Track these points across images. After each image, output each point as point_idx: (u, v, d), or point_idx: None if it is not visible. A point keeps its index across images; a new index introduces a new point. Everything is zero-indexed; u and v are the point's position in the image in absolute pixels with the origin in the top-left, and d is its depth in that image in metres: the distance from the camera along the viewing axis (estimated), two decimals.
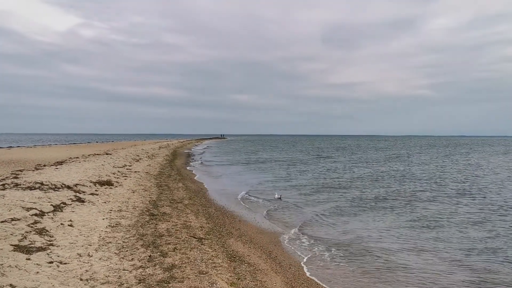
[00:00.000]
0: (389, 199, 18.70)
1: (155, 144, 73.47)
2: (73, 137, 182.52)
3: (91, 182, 16.81)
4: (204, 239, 9.90)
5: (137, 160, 32.29)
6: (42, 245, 8.09)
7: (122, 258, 7.82)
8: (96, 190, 15.40)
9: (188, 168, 33.55)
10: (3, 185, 14.27)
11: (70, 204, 12.30)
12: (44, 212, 10.69)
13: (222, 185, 23.23)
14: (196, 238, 9.86)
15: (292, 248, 10.58)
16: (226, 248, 9.39)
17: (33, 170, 20.22)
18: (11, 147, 60.90)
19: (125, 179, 20.24)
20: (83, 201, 13.04)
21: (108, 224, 10.53)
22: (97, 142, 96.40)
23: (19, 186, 14.10)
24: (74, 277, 6.65)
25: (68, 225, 9.95)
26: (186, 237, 9.76)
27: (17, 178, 16.59)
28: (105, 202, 13.50)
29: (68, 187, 14.82)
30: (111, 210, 12.29)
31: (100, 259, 7.64)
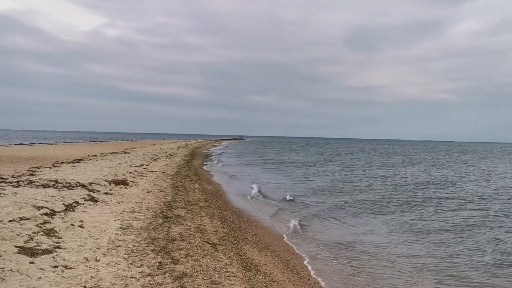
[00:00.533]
0: (413, 203, 17.90)
1: (174, 143, 73.64)
2: (95, 135, 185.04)
3: (106, 181, 16.53)
4: (218, 245, 9.40)
5: (155, 160, 32.11)
6: (48, 247, 7.72)
7: (131, 264, 7.38)
8: (110, 190, 15.09)
9: (205, 168, 33.22)
10: (18, 182, 14.09)
11: (83, 204, 11.98)
12: (55, 212, 10.38)
13: (239, 187, 22.75)
14: (210, 243, 9.38)
15: (309, 256, 10.01)
16: (241, 255, 8.87)
17: (50, 168, 20.12)
18: (33, 143, 61.76)
19: (141, 178, 19.95)
20: (96, 201, 12.72)
21: (120, 226, 10.14)
22: (117, 140, 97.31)
23: (33, 183, 13.88)
24: (78, 284, 6.23)
25: (78, 226, 9.59)
26: (199, 243, 9.28)
27: (33, 175, 16.44)
28: (118, 202, 13.15)
29: (83, 186, 14.56)
30: (123, 211, 11.92)
31: (107, 264, 7.21)
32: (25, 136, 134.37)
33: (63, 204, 11.19)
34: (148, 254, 8.00)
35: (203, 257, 8.22)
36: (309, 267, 9.13)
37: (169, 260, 7.76)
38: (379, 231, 13.00)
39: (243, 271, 7.74)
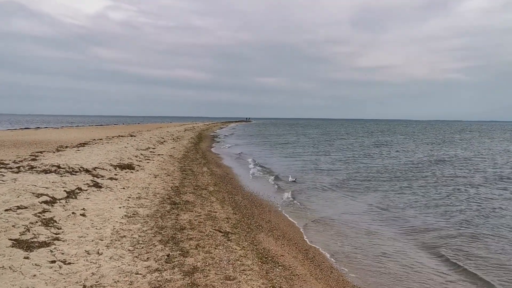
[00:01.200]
0: (429, 182, 17.09)
1: (181, 126, 72.95)
2: (101, 119, 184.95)
3: (111, 166, 15.87)
4: (231, 233, 8.70)
5: (162, 143, 31.44)
6: (46, 239, 7.05)
7: (136, 257, 6.70)
8: (115, 175, 14.43)
9: (213, 151, 32.52)
10: (18, 167, 13.45)
11: (86, 190, 11.32)
12: (55, 199, 9.72)
13: (248, 170, 22.02)
14: (221, 232, 8.68)
15: (327, 243, 9.30)
16: (256, 245, 8.17)
17: (54, 152, 19.50)
18: (38, 127, 61.40)
19: (148, 162, 19.28)
20: (100, 187, 12.05)
21: (125, 213, 9.47)
22: (123, 124, 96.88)
23: (34, 169, 13.24)
24: (77, 282, 5.55)
25: (80, 214, 8.93)
26: (210, 231, 8.59)
27: (35, 160, 15.81)
28: (124, 188, 12.48)
29: (87, 171, 13.89)
30: (129, 197, 11.25)
31: (110, 258, 6.54)
32: (33, 120, 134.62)
33: (64, 190, 10.52)
34: (155, 246, 7.32)
35: (215, 248, 7.53)
36: (327, 256, 8.43)
37: (178, 252, 7.08)
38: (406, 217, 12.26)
39: (260, 263, 7.05)
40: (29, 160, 15.60)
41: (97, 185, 12.13)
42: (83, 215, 8.91)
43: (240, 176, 19.14)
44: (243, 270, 6.58)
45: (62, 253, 6.52)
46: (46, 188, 10.45)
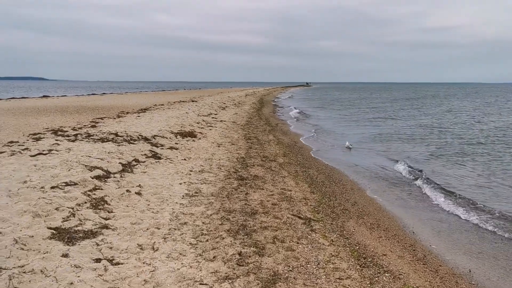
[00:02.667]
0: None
1: (242, 91, 71.68)
2: (163, 85, 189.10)
3: (172, 133, 14.70)
4: (314, 220, 7.05)
5: (223, 108, 30.19)
6: (93, 227, 5.79)
7: (200, 255, 5.24)
8: (176, 143, 13.20)
9: (277, 117, 30.81)
10: (76, 135, 12.58)
11: (144, 162, 10.12)
12: (109, 173, 8.55)
13: (317, 138, 20.13)
14: (302, 218, 7.05)
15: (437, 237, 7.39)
16: (347, 238, 6.46)
17: (114, 118, 18.75)
18: (104, 93, 62.82)
19: (210, 129, 18.00)
20: (159, 158, 10.83)
21: (186, 191, 8.10)
22: (184, 89, 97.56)
23: (91, 137, 12.29)
24: None
25: (136, 192, 7.67)
26: (288, 217, 6.99)
27: (95, 127, 14.99)
28: (185, 159, 11.18)
29: (145, 139, 12.78)
30: (191, 171, 9.91)
31: (168, 257, 5.13)
32: (101, 86, 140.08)
33: (120, 163, 9.35)
34: (223, 238, 5.83)
35: (297, 242, 5.92)
36: (444, 256, 6.55)
37: (252, 248, 5.54)
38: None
39: (358, 267, 5.35)
40: (88, 127, 14.80)
41: (156, 156, 10.91)
42: (138, 193, 7.64)
43: (309, 145, 17.34)
44: (339, 278, 4.92)
45: (110, 248, 5.21)
46: (101, 159, 9.34)
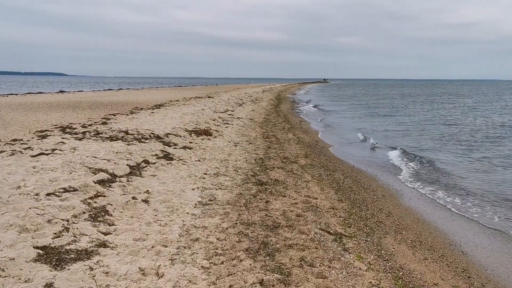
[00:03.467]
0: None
1: (258, 87, 70.67)
2: (181, 81, 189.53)
3: (186, 131, 13.86)
4: (345, 236, 6.08)
5: (240, 105, 29.27)
6: (89, 245, 4.93)
7: (214, 283, 4.33)
8: (190, 142, 12.34)
9: (296, 113, 29.78)
10: (84, 133, 11.82)
11: (154, 163, 9.26)
12: (115, 176, 7.73)
13: (340, 137, 19.06)
14: (331, 234, 6.09)
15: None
16: (387, 260, 5.47)
17: (127, 115, 18.01)
18: (121, 88, 62.60)
19: (226, 127, 17.11)
20: (171, 159, 9.96)
21: (199, 199, 7.21)
22: (201, 85, 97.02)
23: (99, 135, 11.51)
24: None
25: (143, 200, 6.80)
26: (316, 233, 6.03)
27: (106, 124, 14.25)
28: (199, 160, 10.29)
29: (158, 137, 11.96)
30: (205, 174, 9.01)
31: (174, 286, 4.23)
32: (119, 82, 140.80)
33: (127, 165, 8.51)
34: (241, 260, 4.91)
35: (329, 266, 4.97)
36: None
37: (275, 274, 4.61)
38: None
39: None
40: (99, 124, 14.05)
41: (168, 157, 10.05)
42: (145, 201, 6.78)
43: (331, 144, 16.31)
44: None
45: (106, 273, 4.34)
46: (107, 161, 8.52)
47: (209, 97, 33.50)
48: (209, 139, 13.51)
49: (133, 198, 6.80)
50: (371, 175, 11.20)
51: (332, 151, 14.71)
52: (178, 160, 9.93)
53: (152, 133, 12.40)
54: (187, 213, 6.43)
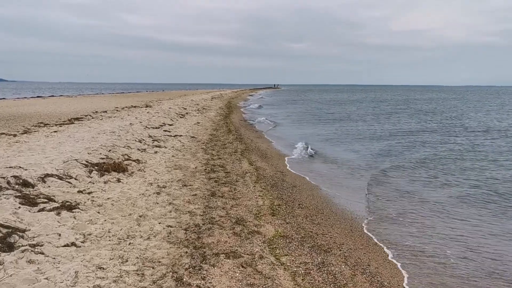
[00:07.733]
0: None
1: (207, 94, 65.53)
2: (130, 86, 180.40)
3: (85, 166, 8.98)
4: None
5: (183, 116, 24.31)
6: None
7: None
8: (80, 191, 7.45)
9: (250, 126, 25.21)
10: None
11: None
12: None
13: (310, 163, 14.57)
14: None
15: None
16: None
17: (14, 135, 12.75)
18: (52, 95, 55.62)
19: (156, 152, 12.29)
20: (11, 246, 5.02)
21: None
22: (147, 91, 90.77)
23: None
24: None
25: None
26: None
27: None
28: (73, 245, 5.41)
29: (23, 184, 7.03)
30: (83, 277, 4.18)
31: None
32: (63, 87, 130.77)
33: None
34: None
35: None
36: None
37: None
38: None
39: None
40: None
41: (10, 246, 5.08)
42: None
43: (317, 185, 11.41)
44: None
45: None
46: None
47: (147, 106, 28.32)
48: (119, 181, 8.64)
49: None
50: (403, 263, 6.78)
51: (312, 190, 10.17)
52: (30, 252, 4.99)
53: (15, 176, 7.37)
54: None
